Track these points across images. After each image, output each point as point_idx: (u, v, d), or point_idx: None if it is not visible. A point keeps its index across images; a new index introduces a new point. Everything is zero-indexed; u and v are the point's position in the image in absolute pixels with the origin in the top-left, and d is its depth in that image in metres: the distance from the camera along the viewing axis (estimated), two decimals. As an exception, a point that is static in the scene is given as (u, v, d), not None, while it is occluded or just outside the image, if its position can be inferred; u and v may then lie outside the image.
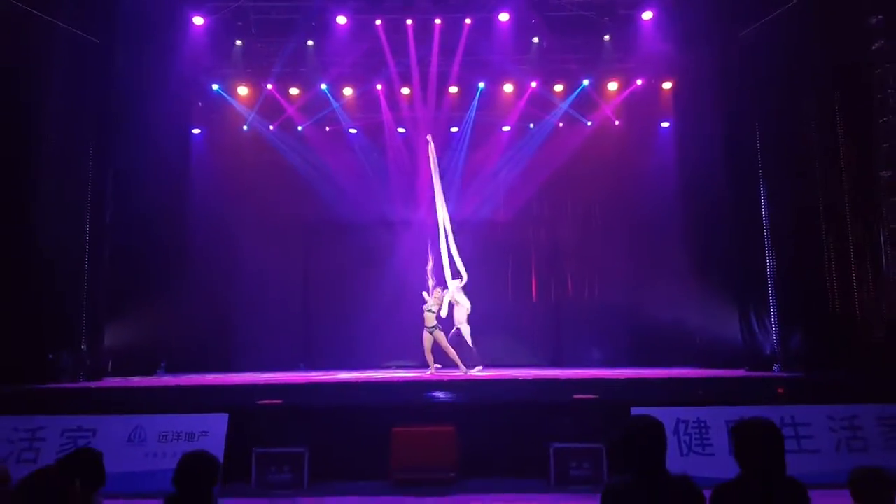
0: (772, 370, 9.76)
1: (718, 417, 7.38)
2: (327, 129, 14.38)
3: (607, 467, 7.15)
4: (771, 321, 10.05)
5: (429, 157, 11.97)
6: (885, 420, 7.32)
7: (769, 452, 2.75)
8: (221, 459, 7.06)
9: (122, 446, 7.29)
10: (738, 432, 2.85)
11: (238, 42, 13.16)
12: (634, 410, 6.66)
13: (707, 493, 2.71)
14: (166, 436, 7.49)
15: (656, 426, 2.76)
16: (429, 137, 11.98)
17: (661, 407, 6.96)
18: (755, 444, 2.77)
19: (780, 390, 8.18)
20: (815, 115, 9.69)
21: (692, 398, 7.87)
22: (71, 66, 10.16)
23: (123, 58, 10.98)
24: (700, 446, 7.27)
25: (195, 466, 2.93)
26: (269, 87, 13.70)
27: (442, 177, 12.01)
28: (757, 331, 10.28)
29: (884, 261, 9.18)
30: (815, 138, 9.67)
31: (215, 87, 13.69)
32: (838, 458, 7.00)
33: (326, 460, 7.53)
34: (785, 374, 9.44)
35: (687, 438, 7.30)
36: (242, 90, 13.78)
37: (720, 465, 6.82)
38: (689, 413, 7.43)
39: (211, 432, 7.49)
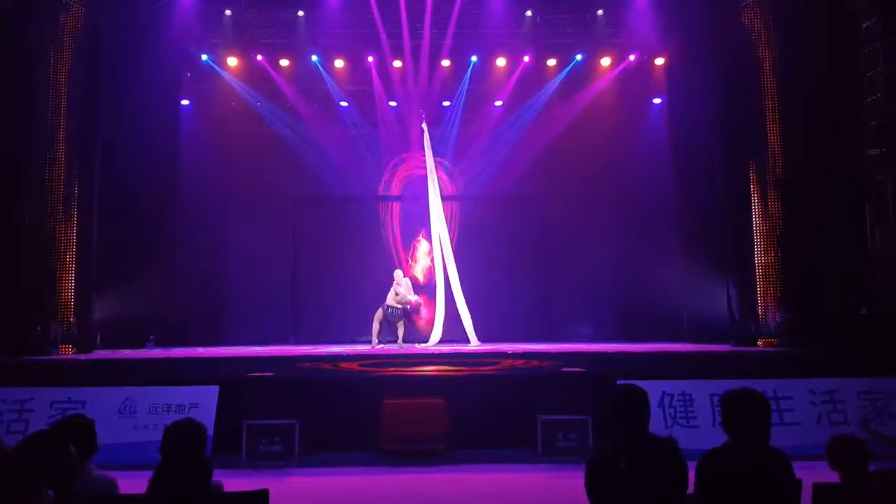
0: (756, 345, 9.90)
1: (703, 390, 7.49)
2: (317, 102, 14.20)
3: (593, 438, 7.27)
4: (756, 297, 10.14)
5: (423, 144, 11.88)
6: (865, 394, 7.46)
7: (756, 421, 2.81)
8: (212, 431, 7.15)
9: (111, 418, 7.30)
10: (727, 401, 2.91)
11: (227, 12, 12.89)
12: (620, 383, 6.74)
13: (691, 465, 2.76)
14: (156, 408, 7.52)
15: (639, 393, 2.82)
16: (423, 126, 11.90)
17: (646, 380, 7.04)
18: (743, 412, 2.83)
19: None
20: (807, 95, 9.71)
21: (678, 372, 7.98)
22: (56, 33, 9.97)
23: (110, 25, 10.78)
24: (684, 418, 7.40)
25: (180, 434, 2.94)
26: (259, 58, 13.51)
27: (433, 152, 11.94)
28: (743, 306, 10.37)
29: (868, 237, 9.29)
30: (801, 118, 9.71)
31: (204, 57, 13.46)
32: (818, 431, 7.11)
33: (317, 432, 7.60)
34: (769, 349, 9.58)
35: (672, 411, 7.42)
36: (232, 61, 13.55)
37: (704, 437, 6.93)
38: (674, 386, 7.54)
39: (201, 404, 7.53)
